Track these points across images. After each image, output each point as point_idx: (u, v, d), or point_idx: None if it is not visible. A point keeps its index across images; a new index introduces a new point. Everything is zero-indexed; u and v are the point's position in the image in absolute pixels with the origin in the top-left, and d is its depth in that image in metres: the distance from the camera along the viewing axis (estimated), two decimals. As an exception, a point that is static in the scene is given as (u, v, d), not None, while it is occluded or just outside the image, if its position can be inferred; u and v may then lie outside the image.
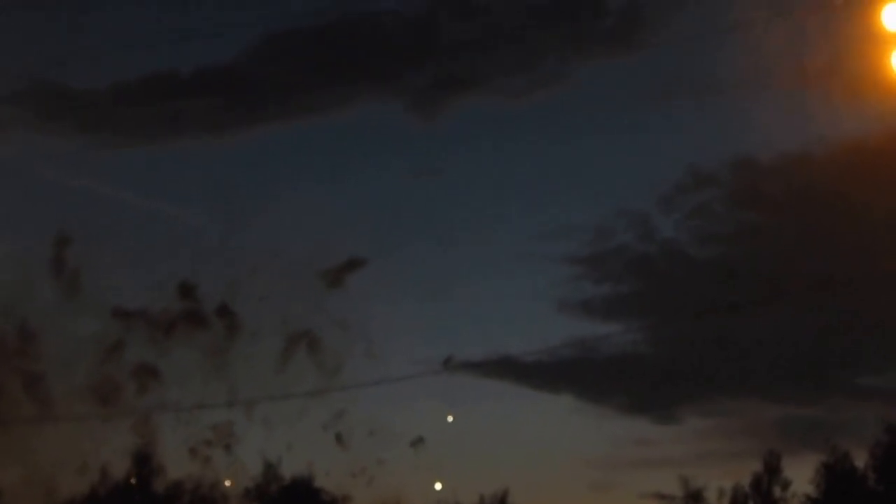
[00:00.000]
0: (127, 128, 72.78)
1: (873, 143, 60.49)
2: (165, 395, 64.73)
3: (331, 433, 64.02)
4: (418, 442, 64.47)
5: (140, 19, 75.68)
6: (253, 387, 64.21)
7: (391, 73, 74.67)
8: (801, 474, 58.22)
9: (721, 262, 69.53)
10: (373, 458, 63.24)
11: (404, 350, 66.28)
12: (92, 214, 70.36)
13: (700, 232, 71.43)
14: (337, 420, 64.10)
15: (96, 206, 72.09)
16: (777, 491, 58.78)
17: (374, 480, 62.95)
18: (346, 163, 77.22)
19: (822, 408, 65.63)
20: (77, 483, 61.10)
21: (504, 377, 68.08)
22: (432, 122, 76.05)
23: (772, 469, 59.25)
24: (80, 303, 65.58)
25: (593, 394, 68.42)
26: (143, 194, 74.28)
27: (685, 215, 71.47)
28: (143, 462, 60.82)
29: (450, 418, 66.01)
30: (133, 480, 61.07)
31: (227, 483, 62.87)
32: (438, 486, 62.37)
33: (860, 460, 57.28)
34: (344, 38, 74.32)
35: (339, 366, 65.95)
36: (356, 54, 74.32)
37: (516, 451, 68.04)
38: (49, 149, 70.53)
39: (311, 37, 74.42)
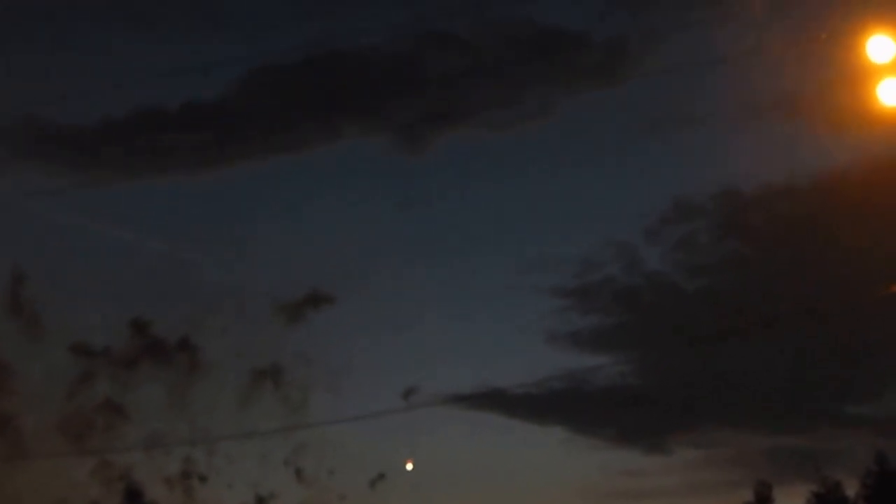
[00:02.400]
0: (114, 163, 72.62)
1: (857, 174, 61.16)
2: (130, 432, 64.59)
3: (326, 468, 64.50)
4: (378, 479, 64.90)
5: (127, 56, 75.90)
6: (222, 423, 64.71)
7: (376, 107, 74.80)
8: (793, 504, 58.33)
9: (708, 293, 69.92)
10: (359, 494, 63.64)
11: (392, 383, 66.13)
12: (72, 249, 70.59)
13: (686, 263, 71.79)
14: (325, 454, 64.38)
15: (77, 241, 72.09)
16: (768, 521, 58.78)
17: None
18: (332, 198, 77.22)
19: (811, 437, 65.75)
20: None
21: (493, 410, 67.99)
22: (418, 157, 76.25)
23: (763, 499, 59.46)
24: (42, 339, 65.27)
25: (583, 425, 68.46)
26: (130, 230, 74.04)
27: (671, 246, 71.83)
28: (135, 498, 60.52)
29: (409, 465, 66.01)
30: None
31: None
32: None
33: (851, 489, 57.67)
34: (329, 74, 74.66)
35: (325, 399, 66.16)
36: (341, 89, 74.58)
37: (506, 484, 67.86)
38: (37, 185, 70.22)
39: (296, 72, 74.66)
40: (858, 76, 32.52)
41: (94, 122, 72.96)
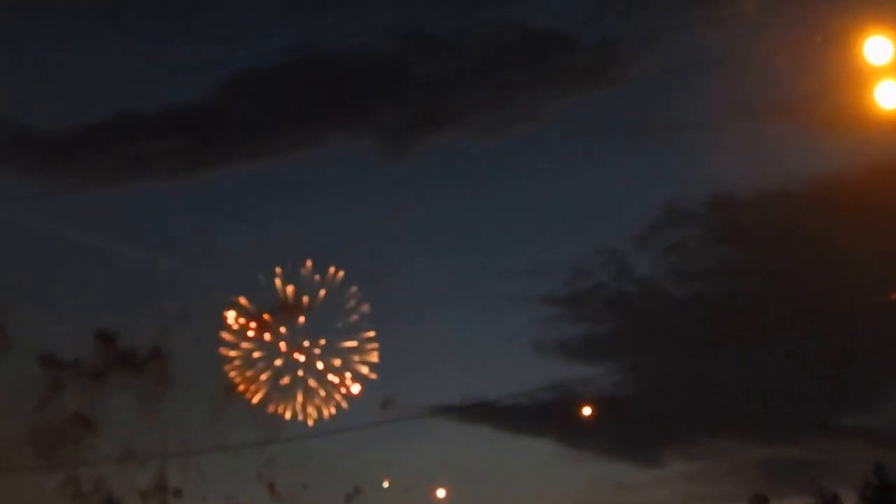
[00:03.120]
0: (92, 169, 71.38)
1: (853, 178, 59.90)
2: (100, 443, 63.75)
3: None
4: (354, 494, 64.41)
5: (104, 60, 74.40)
6: (192, 434, 63.81)
7: (361, 111, 73.73)
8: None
9: (699, 300, 68.76)
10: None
11: (382, 395, 65.20)
12: (45, 257, 69.48)
13: (677, 270, 70.51)
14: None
15: (51, 249, 70.75)
16: (765, 535, 57.63)
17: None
18: (315, 204, 75.90)
19: (807, 449, 64.60)
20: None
21: (481, 422, 67.19)
22: (404, 161, 74.90)
23: (759, 512, 58.22)
24: (9, 350, 64.00)
25: (573, 437, 67.14)
26: (106, 237, 72.73)
27: (662, 253, 70.51)
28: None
29: (385, 484, 65.26)
30: None
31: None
32: None
33: (850, 501, 56.89)
34: (313, 77, 73.38)
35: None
36: (325, 93, 73.33)
37: (496, 498, 66.61)
38: (11, 191, 68.84)
39: (279, 75, 73.39)
40: (855, 79, 31.64)
41: (72, 126, 71.68)
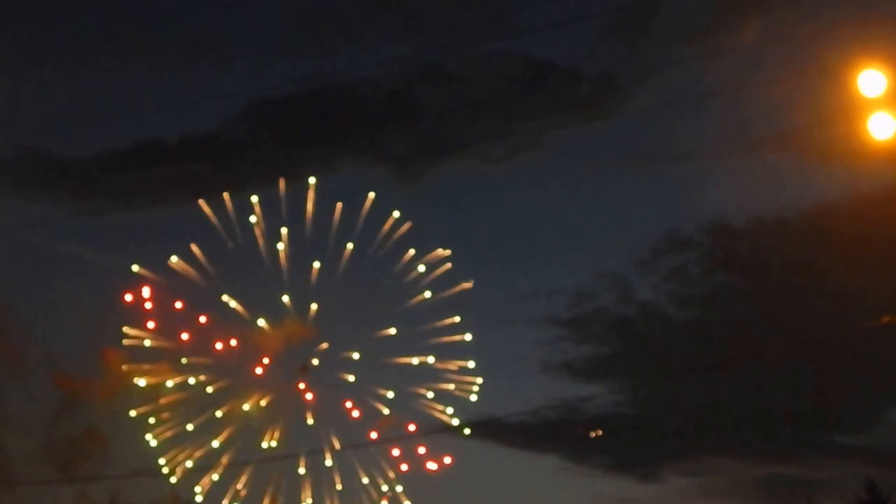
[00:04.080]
0: (114, 194, 73.21)
1: (848, 208, 61.89)
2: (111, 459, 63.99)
3: None
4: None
5: (126, 88, 76.49)
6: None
7: (372, 140, 75.48)
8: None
9: (699, 323, 70.66)
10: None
11: (395, 412, 66.25)
12: (68, 279, 70.80)
13: (678, 294, 72.65)
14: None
15: (72, 271, 72.39)
16: (761, 549, 59.10)
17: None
18: (329, 225, 77.45)
19: (803, 466, 66.32)
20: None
21: (488, 438, 68.46)
22: (412, 187, 76.88)
23: (756, 527, 59.64)
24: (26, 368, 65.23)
25: (577, 454, 68.89)
26: (127, 260, 74.17)
27: (663, 278, 72.68)
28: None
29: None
30: None
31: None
32: None
33: (843, 518, 57.72)
34: (325, 106, 75.41)
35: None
36: (337, 122, 75.19)
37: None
38: (36, 216, 70.74)
39: (293, 105, 75.46)
40: (849, 110, 32.98)
41: (96, 153, 73.65)
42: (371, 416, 64.40)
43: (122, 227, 74.49)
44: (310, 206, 65.19)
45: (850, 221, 61.85)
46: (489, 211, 78.42)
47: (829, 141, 62.52)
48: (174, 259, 64.69)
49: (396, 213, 64.25)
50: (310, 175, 75.29)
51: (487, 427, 67.01)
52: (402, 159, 74.79)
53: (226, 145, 75.74)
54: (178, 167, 73.83)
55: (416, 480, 65.97)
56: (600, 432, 66.84)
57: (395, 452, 63.20)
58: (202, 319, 65.10)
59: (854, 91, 31.74)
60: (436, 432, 65.89)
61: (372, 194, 64.40)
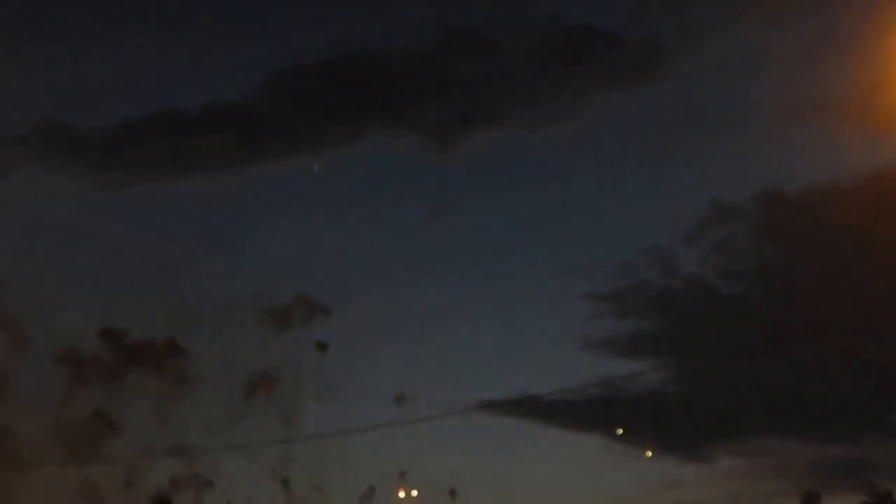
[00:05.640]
0: (134, 166, 71.42)
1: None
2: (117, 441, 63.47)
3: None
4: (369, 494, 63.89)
5: (146, 58, 74.40)
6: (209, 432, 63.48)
7: (403, 109, 73.75)
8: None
9: (747, 298, 68.50)
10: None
11: (429, 391, 65.06)
12: (86, 252, 69.38)
13: (725, 267, 70.18)
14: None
15: (90, 245, 70.62)
16: (817, 532, 57.37)
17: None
18: (358, 200, 75.75)
19: (857, 446, 64.26)
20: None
21: (528, 417, 66.97)
22: (447, 159, 74.78)
23: (811, 509, 57.99)
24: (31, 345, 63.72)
25: (625, 429, 66.96)
26: (146, 233, 72.59)
27: (709, 250, 70.24)
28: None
29: (414, 492, 64.77)
30: None
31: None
32: None
33: (903, 498, 56.10)
34: (354, 74, 73.45)
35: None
36: (367, 90, 73.46)
37: (543, 493, 66.31)
38: (55, 188, 68.96)
39: (320, 73, 73.54)
40: None
41: (115, 124, 72.09)
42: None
43: (143, 199, 73.32)
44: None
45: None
46: (526, 182, 76.27)
47: (885, 106, 60.37)
48: None
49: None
50: (337, 146, 74.25)
51: (527, 405, 65.57)
52: (435, 129, 73.30)
53: (249, 115, 73.81)
54: (200, 138, 72.26)
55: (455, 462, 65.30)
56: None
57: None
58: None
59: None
60: (474, 410, 64.77)
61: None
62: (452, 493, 63.15)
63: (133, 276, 69.08)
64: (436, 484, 63.64)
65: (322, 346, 64.85)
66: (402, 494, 64.32)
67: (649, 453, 64.72)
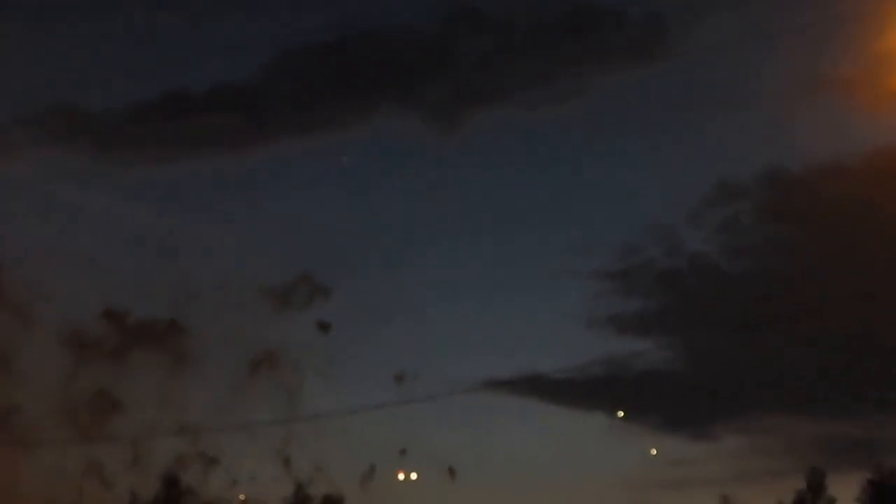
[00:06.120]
0: (142, 147, 71.61)
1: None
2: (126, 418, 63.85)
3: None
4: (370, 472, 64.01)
5: (154, 38, 74.57)
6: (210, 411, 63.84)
7: (408, 87, 73.69)
8: (847, 492, 57.06)
9: (752, 276, 68.44)
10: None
11: (433, 370, 65.22)
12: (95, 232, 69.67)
13: (729, 245, 70.22)
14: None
15: (99, 224, 70.97)
16: (822, 509, 57.43)
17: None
18: (363, 178, 75.93)
19: (863, 424, 63.97)
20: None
21: (533, 395, 66.97)
22: (451, 137, 74.76)
23: (815, 487, 58.00)
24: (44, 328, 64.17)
25: (626, 412, 66.96)
26: (154, 213, 73.05)
27: (714, 229, 70.28)
28: (171, 484, 59.51)
29: (414, 475, 64.93)
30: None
31: (242, 497, 61.82)
32: None
33: (909, 476, 56.13)
34: (359, 54, 73.45)
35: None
36: (372, 70, 73.36)
37: (547, 472, 66.46)
38: (65, 169, 69.27)
39: (326, 52, 73.56)
40: None
41: (123, 104, 72.35)
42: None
43: (151, 180, 73.56)
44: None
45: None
46: (530, 161, 76.26)
47: (889, 84, 60.33)
48: None
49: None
50: (344, 125, 74.36)
51: (532, 383, 65.77)
52: (440, 108, 73.17)
53: (256, 95, 73.83)
54: (207, 118, 72.32)
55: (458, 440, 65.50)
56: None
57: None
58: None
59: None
60: (480, 389, 64.89)
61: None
62: (451, 471, 63.25)
63: (137, 255, 69.71)
64: (437, 462, 63.88)
65: (325, 326, 65.08)
66: (401, 477, 64.54)
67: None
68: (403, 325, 68.54)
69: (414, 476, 64.05)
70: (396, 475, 63.82)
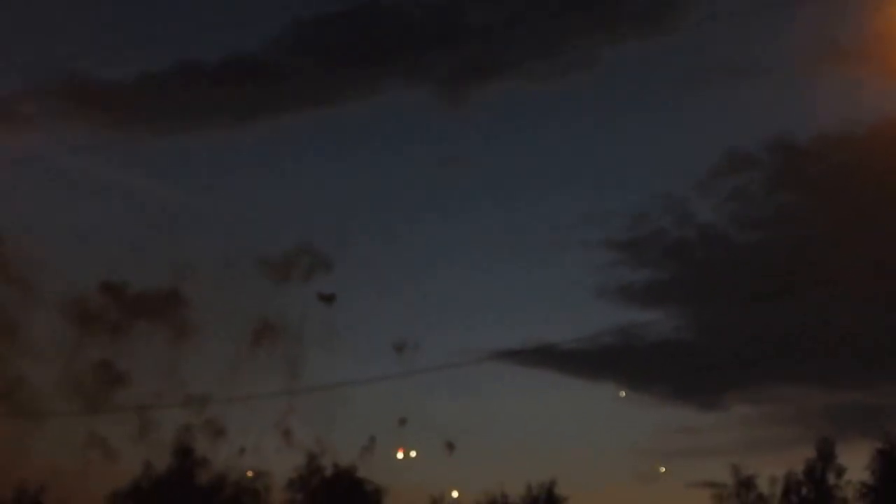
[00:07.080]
0: (153, 118, 71.64)
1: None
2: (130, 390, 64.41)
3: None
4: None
5: (165, 10, 74.75)
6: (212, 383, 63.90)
7: (417, 60, 73.50)
8: (856, 461, 56.99)
9: (761, 246, 68.51)
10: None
11: (444, 340, 65.40)
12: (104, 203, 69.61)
13: (739, 215, 70.41)
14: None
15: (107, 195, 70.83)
16: (831, 478, 57.25)
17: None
18: (373, 150, 76.10)
19: (872, 394, 64.31)
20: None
21: (544, 365, 67.26)
22: (459, 108, 74.83)
23: (825, 456, 57.82)
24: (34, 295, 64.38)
25: (636, 381, 67.33)
26: (164, 184, 73.23)
27: (723, 199, 70.54)
28: (185, 455, 59.75)
29: (413, 453, 65.12)
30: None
31: (249, 474, 62.02)
32: (455, 494, 60.92)
33: (919, 447, 55.99)
34: (369, 26, 73.41)
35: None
36: (381, 42, 73.22)
37: (560, 441, 66.97)
38: (76, 140, 69.40)
39: (336, 25, 73.63)
40: None
41: (133, 75, 72.43)
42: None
43: (161, 151, 73.73)
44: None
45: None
46: (540, 132, 76.37)
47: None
48: None
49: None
50: (351, 97, 74.34)
51: (541, 353, 66.09)
52: (448, 80, 73.20)
53: (267, 67, 73.92)
54: (219, 90, 72.32)
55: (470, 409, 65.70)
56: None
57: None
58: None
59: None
60: (490, 359, 64.99)
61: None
62: (450, 445, 63.35)
63: (138, 226, 69.99)
64: (437, 434, 64.36)
65: (329, 298, 65.07)
66: (400, 455, 64.65)
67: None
68: (408, 294, 68.98)
69: (413, 454, 64.25)
70: (396, 453, 64.01)
